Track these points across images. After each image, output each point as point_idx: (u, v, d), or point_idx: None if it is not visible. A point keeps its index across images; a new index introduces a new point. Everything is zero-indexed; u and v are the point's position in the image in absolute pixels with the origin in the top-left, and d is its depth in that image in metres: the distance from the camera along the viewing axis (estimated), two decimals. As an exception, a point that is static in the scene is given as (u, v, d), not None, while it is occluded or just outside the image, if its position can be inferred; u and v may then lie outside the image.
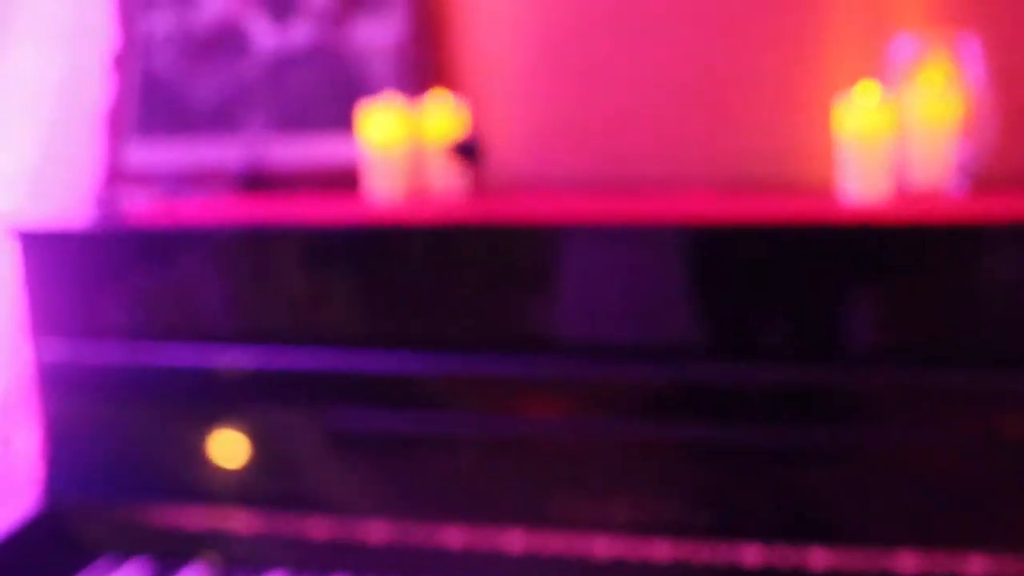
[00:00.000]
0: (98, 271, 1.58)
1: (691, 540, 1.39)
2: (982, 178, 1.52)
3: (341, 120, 1.76)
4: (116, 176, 1.84)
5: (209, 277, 1.55)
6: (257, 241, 1.52)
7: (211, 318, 1.55)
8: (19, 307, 1.66)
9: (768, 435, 1.37)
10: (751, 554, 1.38)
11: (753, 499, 1.38)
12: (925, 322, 1.35)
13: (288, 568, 1.50)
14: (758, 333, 1.39)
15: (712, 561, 1.39)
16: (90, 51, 1.92)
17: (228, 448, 1.53)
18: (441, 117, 1.60)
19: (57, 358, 1.59)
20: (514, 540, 1.43)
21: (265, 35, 1.81)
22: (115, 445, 1.57)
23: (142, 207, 1.67)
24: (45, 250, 1.59)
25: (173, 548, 1.54)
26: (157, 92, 1.84)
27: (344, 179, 1.72)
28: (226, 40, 1.82)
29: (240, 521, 1.52)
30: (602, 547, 1.41)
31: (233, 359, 1.52)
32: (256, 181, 1.77)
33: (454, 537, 1.44)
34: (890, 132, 1.46)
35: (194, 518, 1.53)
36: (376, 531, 1.48)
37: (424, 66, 1.74)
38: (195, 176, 1.78)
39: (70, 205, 1.93)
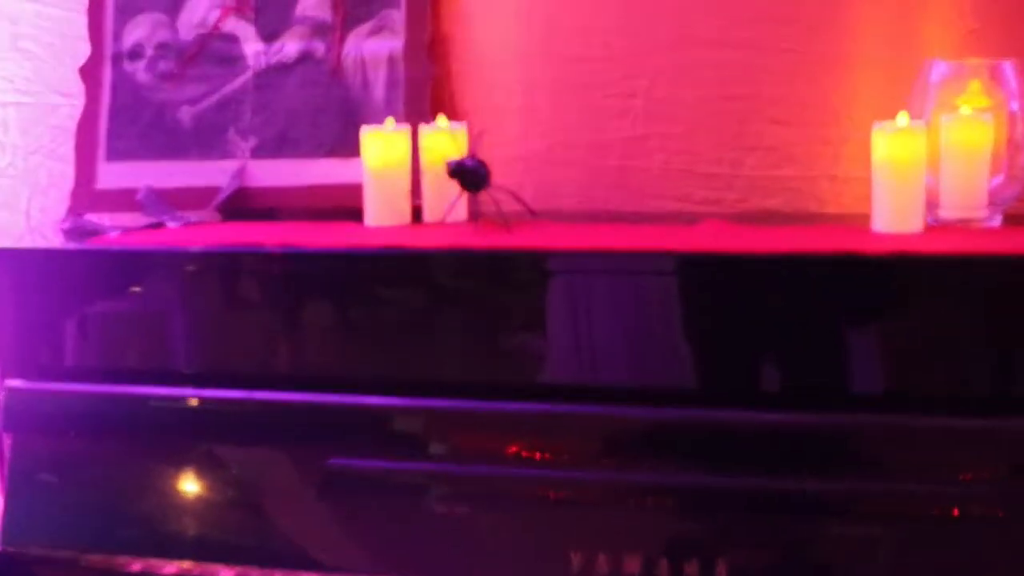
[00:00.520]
0: (63, 296, 1.50)
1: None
2: (1016, 209, 1.47)
3: (334, 142, 1.66)
4: (87, 196, 1.72)
5: (184, 306, 1.47)
6: (238, 268, 1.45)
7: (184, 351, 1.48)
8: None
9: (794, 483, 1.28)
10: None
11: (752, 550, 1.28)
12: (960, 362, 1.28)
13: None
14: (782, 375, 1.30)
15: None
16: (61, 62, 1.82)
17: (198, 492, 1.42)
18: (440, 141, 1.50)
19: (18, 391, 1.48)
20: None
21: (255, 50, 1.70)
22: (79, 487, 1.46)
23: (114, 229, 1.57)
24: (6, 272, 1.51)
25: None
26: (135, 107, 1.72)
27: (337, 205, 1.62)
28: (212, 54, 1.71)
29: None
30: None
31: (207, 396, 1.42)
32: (241, 205, 1.66)
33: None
34: (922, 162, 1.38)
35: (166, 569, 1.42)
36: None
37: (423, 87, 1.65)
38: (175, 198, 1.66)
39: (35, 227, 1.82)
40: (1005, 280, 1.26)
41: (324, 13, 1.68)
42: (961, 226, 1.42)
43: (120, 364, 1.47)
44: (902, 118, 1.40)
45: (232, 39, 1.71)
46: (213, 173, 1.68)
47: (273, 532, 1.41)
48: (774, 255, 1.30)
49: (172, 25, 1.73)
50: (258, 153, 1.68)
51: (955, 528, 1.24)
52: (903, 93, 1.54)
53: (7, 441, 1.49)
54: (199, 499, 1.43)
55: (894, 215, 1.38)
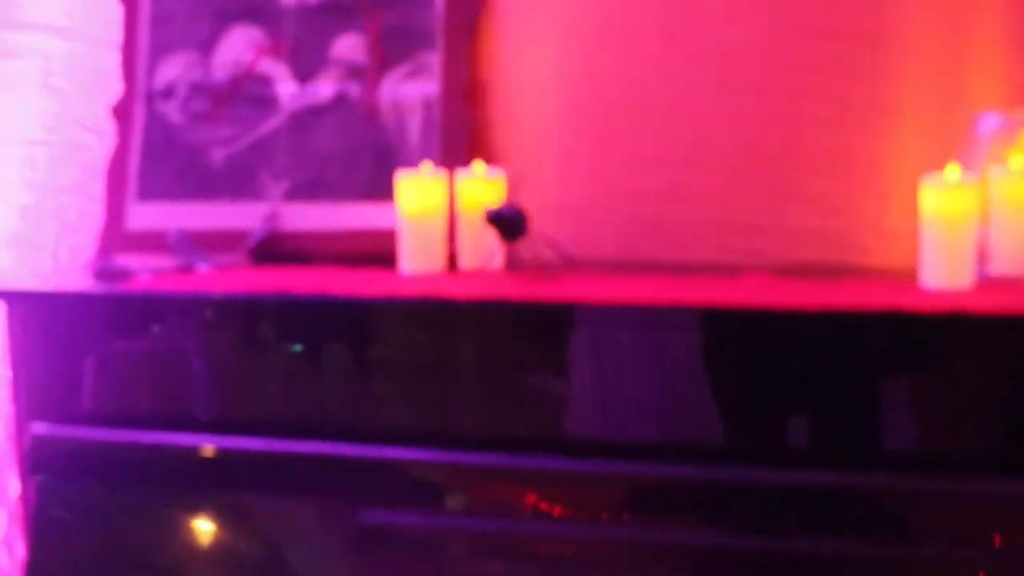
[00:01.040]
0: (91, 340, 1.48)
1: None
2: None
3: (368, 186, 1.64)
4: (116, 238, 1.70)
5: (213, 353, 1.44)
6: (268, 315, 1.43)
7: (213, 399, 1.45)
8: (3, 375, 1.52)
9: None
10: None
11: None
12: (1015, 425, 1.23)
13: None
14: (828, 434, 1.27)
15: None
16: (93, 100, 1.80)
17: (224, 544, 1.38)
18: (477, 187, 1.48)
19: (43, 437, 1.45)
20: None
21: (289, 91, 1.68)
22: (104, 534, 1.43)
23: (143, 272, 1.54)
24: (32, 313, 1.50)
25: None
26: (166, 147, 1.70)
27: (371, 250, 1.59)
28: (246, 95, 1.69)
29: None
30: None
31: (235, 446, 1.38)
32: (273, 249, 1.63)
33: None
34: (973, 217, 1.35)
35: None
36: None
37: (459, 132, 1.62)
38: (206, 241, 1.63)
39: (63, 268, 1.80)
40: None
41: (360, 55, 1.66)
42: (1012, 282, 1.38)
43: (147, 411, 1.44)
44: (952, 171, 1.37)
45: (266, 80, 1.69)
46: (245, 216, 1.65)
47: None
48: (820, 311, 1.27)
49: (206, 65, 1.71)
50: (291, 196, 1.65)
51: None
52: (949, 144, 1.51)
53: (32, 486, 1.46)
54: (225, 551, 1.39)
55: (943, 271, 1.35)
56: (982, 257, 1.40)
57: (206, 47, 1.71)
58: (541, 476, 1.31)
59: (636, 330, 1.31)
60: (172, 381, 1.44)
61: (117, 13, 1.75)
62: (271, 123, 1.68)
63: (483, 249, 1.48)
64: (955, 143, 1.50)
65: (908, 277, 1.43)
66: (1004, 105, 1.51)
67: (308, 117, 1.67)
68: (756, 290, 1.36)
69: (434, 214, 1.48)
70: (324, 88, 1.67)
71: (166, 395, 1.45)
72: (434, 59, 1.64)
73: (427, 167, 1.51)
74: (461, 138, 1.62)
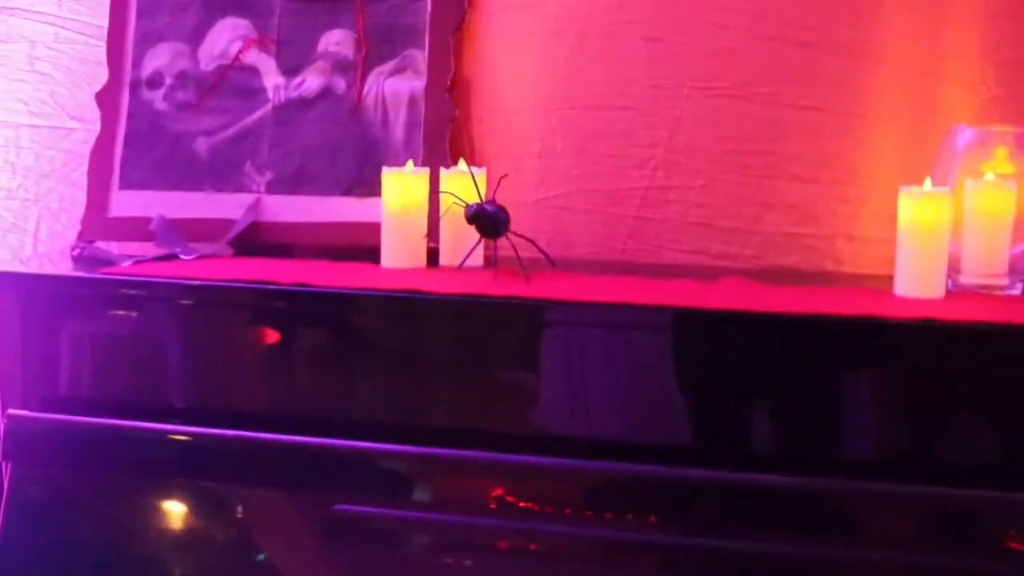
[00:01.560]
0: (69, 324, 1.49)
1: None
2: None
3: (351, 180, 1.64)
4: (99, 223, 1.70)
5: (191, 341, 1.45)
6: (248, 304, 1.44)
7: (190, 387, 1.46)
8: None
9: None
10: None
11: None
12: (980, 434, 1.27)
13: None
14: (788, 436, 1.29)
15: None
16: (78, 86, 1.80)
17: (198, 531, 1.39)
18: (460, 184, 1.49)
19: (19, 420, 1.46)
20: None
21: (275, 83, 1.69)
22: (77, 520, 1.43)
23: (124, 259, 1.54)
24: (12, 296, 1.49)
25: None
26: (151, 135, 1.70)
27: (352, 243, 1.60)
28: (232, 86, 1.70)
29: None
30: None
31: (211, 434, 1.40)
32: (255, 240, 1.64)
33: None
34: (947, 228, 1.37)
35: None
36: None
37: (443, 129, 1.63)
38: (188, 230, 1.64)
39: (44, 252, 1.80)
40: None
41: (347, 50, 1.67)
42: (982, 292, 1.41)
43: (125, 398, 1.45)
44: (928, 183, 1.39)
45: (253, 72, 1.70)
46: (228, 206, 1.66)
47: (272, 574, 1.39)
48: (800, 316, 1.29)
49: (193, 55, 1.71)
50: (274, 188, 1.66)
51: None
52: (923, 155, 1.54)
53: (6, 470, 1.46)
54: (198, 538, 1.40)
55: (917, 280, 1.37)
56: (953, 268, 1.42)
57: (194, 37, 1.71)
58: (511, 471, 1.32)
59: (604, 329, 1.33)
60: (151, 369, 1.45)
61: (105, 0, 1.75)
62: (256, 115, 1.68)
63: (463, 245, 1.49)
64: (928, 154, 1.52)
65: (879, 284, 1.45)
66: (976, 117, 1.54)
67: (293, 110, 1.68)
68: (735, 295, 1.38)
69: (416, 210, 1.49)
70: (310, 81, 1.68)
71: (144, 383, 1.45)
72: (420, 56, 1.66)
73: (411, 165, 1.52)
74: (444, 135, 1.63)
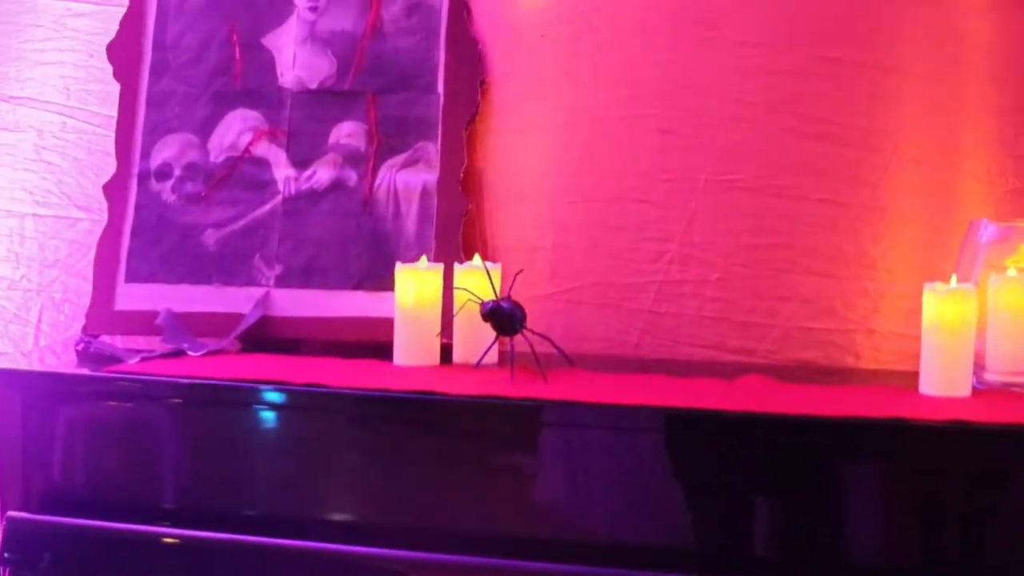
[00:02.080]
0: (72, 424, 1.45)
1: None
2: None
3: (363, 274, 1.62)
4: (104, 316, 1.67)
5: (197, 442, 1.42)
6: (257, 403, 1.39)
7: (196, 490, 1.41)
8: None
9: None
10: None
11: None
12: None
13: None
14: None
15: None
16: (85, 177, 1.78)
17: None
18: (474, 280, 1.46)
19: (18, 522, 1.41)
20: None
21: (285, 175, 1.67)
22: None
23: (129, 354, 1.51)
24: (13, 393, 1.45)
25: None
26: (158, 227, 1.68)
27: (362, 338, 1.57)
28: (241, 177, 1.68)
29: None
30: None
31: (216, 538, 1.36)
32: (263, 335, 1.61)
33: None
34: (973, 325, 1.35)
35: None
36: None
37: (456, 221, 1.62)
38: (195, 324, 1.61)
39: (48, 342, 1.77)
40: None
41: (358, 142, 1.66)
42: (1009, 390, 1.38)
43: (132, 500, 1.40)
44: (953, 280, 1.37)
45: (263, 163, 1.68)
46: (236, 300, 1.63)
47: None
48: (828, 418, 1.26)
49: (202, 146, 1.70)
50: (283, 282, 1.63)
51: None
52: (942, 248, 1.52)
53: (5, 573, 1.42)
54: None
55: (943, 378, 1.35)
56: (978, 364, 1.39)
57: (203, 128, 1.70)
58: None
59: (626, 432, 1.30)
60: (161, 469, 1.41)
61: (114, 91, 1.74)
62: (266, 207, 1.66)
63: (477, 341, 1.46)
64: (946, 247, 1.50)
65: (901, 381, 1.42)
66: (995, 209, 1.52)
67: (304, 202, 1.66)
68: (750, 394, 1.35)
69: (430, 307, 1.46)
70: (321, 174, 1.66)
71: (150, 486, 1.41)
72: (432, 148, 1.64)
73: (424, 260, 1.49)
74: (457, 228, 1.61)
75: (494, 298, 1.44)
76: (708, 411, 1.27)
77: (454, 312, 1.46)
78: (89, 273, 1.71)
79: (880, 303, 1.58)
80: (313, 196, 1.66)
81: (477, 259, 1.50)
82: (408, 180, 1.64)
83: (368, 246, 1.62)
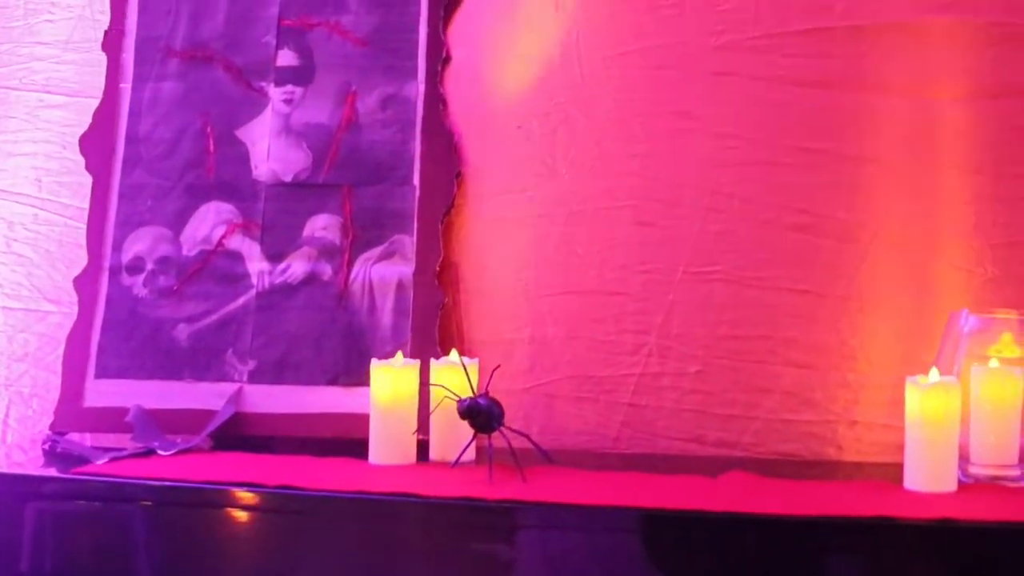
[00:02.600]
0: (40, 528, 1.41)
1: None
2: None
3: (337, 369, 1.60)
4: (73, 413, 1.64)
5: (169, 546, 1.37)
6: (229, 505, 1.35)
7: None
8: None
9: None
10: None
11: None
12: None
13: None
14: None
15: None
16: (56, 269, 1.76)
17: None
18: (451, 376, 1.44)
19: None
20: None
21: (259, 269, 1.65)
22: None
23: (98, 452, 1.48)
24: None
25: None
26: (129, 322, 1.66)
27: (337, 435, 1.54)
28: (214, 271, 1.66)
29: None
30: None
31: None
32: (236, 432, 1.58)
33: None
34: (956, 419, 1.33)
35: None
36: None
37: (432, 315, 1.60)
38: (166, 421, 1.58)
39: (15, 439, 1.74)
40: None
41: (333, 235, 1.64)
42: (994, 484, 1.36)
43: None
44: (934, 373, 1.36)
45: (236, 257, 1.66)
46: (208, 396, 1.60)
47: None
48: (815, 518, 1.23)
49: (175, 240, 1.68)
50: (257, 377, 1.61)
51: None
52: (922, 338, 1.51)
53: None
54: None
55: (928, 473, 1.33)
56: (963, 456, 1.37)
57: (176, 221, 1.68)
58: None
59: (608, 533, 1.27)
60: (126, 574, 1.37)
61: (87, 183, 1.73)
62: (239, 301, 1.64)
63: (454, 438, 1.43)
64: (926, 336, 1.49)
65: (887, 475, 1.40)
66: (973, 298, 1.52)
67: (278, 296, 1.64)
68: (733, 492, 1.32)
69: (406, 404, 1.44)
70: (296, 267, 1.64)
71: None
72: (408, 241, 1.63)
73: (400, 357, 1.47)
74: (433, 321, 1.59)
75: (471, 395, 1.41)
76: (690, 511, 1.24)
77: (431, 409, 1.44)
78: (59, 367, 1.68)
79: (861, 394, 1.56)
80: (287, 290, 1.64)
81: (454, 354, 1.48)
82: (383, 273, 1.62)
83: (343, 340, 1.60)
